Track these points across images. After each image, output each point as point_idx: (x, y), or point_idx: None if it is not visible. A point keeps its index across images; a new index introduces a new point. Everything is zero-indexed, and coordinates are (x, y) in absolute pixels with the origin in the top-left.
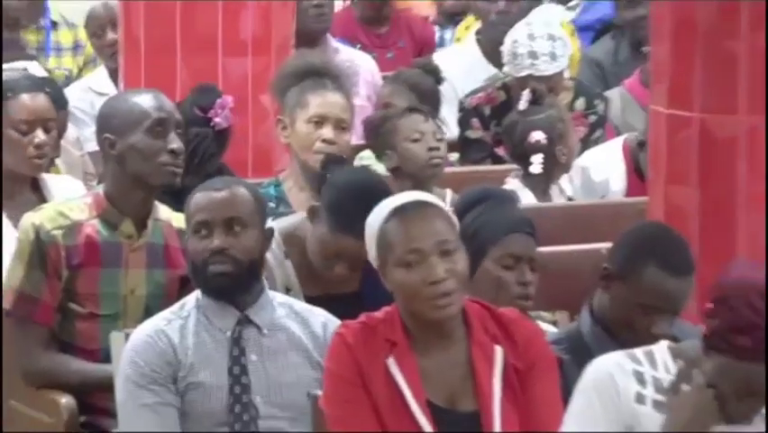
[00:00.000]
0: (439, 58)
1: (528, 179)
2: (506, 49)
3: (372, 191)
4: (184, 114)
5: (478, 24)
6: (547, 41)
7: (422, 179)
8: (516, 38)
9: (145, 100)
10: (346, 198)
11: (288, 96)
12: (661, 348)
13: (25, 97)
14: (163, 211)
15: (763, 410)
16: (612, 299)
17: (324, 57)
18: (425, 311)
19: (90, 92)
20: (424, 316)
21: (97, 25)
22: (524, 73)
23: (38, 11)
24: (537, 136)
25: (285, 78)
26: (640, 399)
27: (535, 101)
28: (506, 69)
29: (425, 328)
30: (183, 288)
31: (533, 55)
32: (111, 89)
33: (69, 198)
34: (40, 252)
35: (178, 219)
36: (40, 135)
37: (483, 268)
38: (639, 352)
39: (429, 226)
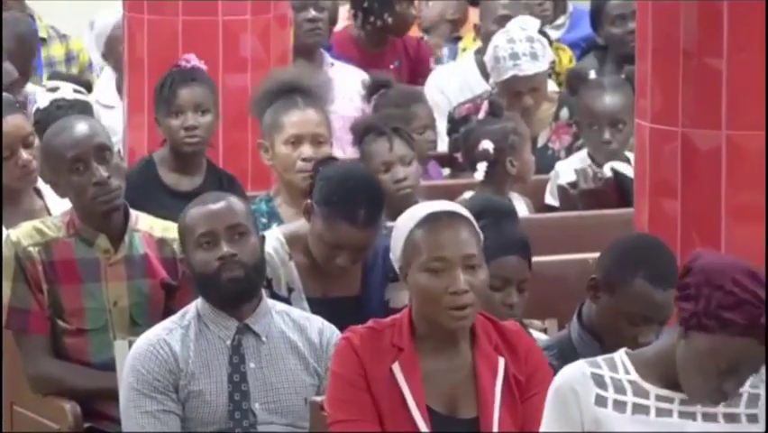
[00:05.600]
0: (437, 74)
1: (482, 189)
2: (488, 57)
3: (361, 179)
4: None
5: (475, 44)
6: (526, 42)
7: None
8: (497, 44)
9: (61, 140)
10: (337, 188)
11: (264, 119)
12: (620, 354)
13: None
14: (143, 221)
15: (763, 413)
16: (600, 309)
17: (294, 72)
18: (442, 319)
19: (96, 104)
20: (438, 323)
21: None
22: (508, 75)
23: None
24: (486, 145)
25: (258, 100)
26: (600, 401)
27: (493, 113)
28: (491, 78)
29: (436, 334)
30: (169, 296)
31: (514, 56)
32: (116, 102)
33: (48, 217)
34: (20, 266)
35: (162, 229)
36: (22, 155)
37: None
38: (600, 358)
39: (459, 238)
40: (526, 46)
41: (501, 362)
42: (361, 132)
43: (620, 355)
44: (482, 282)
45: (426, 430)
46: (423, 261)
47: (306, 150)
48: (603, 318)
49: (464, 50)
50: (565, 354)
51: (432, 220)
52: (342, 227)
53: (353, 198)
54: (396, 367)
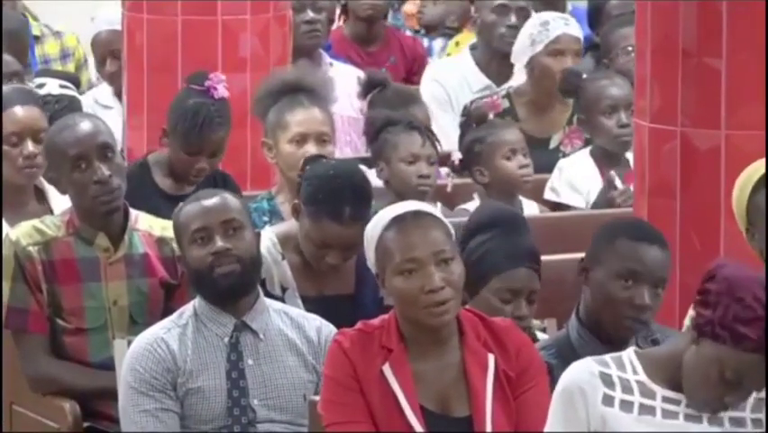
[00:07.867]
0: (435, 68)
1: (487, 193)
2: (528, 28)
3: (345, 176)
4: (182, 102)
5: (470, 39)
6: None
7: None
8: (541, 16)
9: (64, 137)
10: (321, 186)
11: (268, 118)
12: (628, 352)
13: (16, 110)
14: (143, 221)
15: (763, 416)
16: (593, 287)
17: (298, 71)
18: (422, 318)
19: (96, 105)
20: (420, 322)
21: (99, 54)
22: (558, 32)
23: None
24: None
25: (262, 99)
26: (607, 401)
27: (478, 120)
28: (526, 53)
29: (422, 334)
30: (168, 296)
31: (564, 18)
32: (115, 102)
33: (47, 216)
34: (19, 266)
35: (161, 228)
36: (29, 147)
37: (482, 296)
38: (608, 357)
39: (427, 236)
40: (572, 19)
41: (491, 358)
42: (381, 124)
43: (629, 354)
44: (458, 276)
45: (421, 430)
46: (395, 264)
47: (311, 148)
48: (597, 295)
49: (457, 44)
50: (564, 353)
51: (398, 222)
52: (328, 225)
53: (338, 195)
54: (386, 368)
